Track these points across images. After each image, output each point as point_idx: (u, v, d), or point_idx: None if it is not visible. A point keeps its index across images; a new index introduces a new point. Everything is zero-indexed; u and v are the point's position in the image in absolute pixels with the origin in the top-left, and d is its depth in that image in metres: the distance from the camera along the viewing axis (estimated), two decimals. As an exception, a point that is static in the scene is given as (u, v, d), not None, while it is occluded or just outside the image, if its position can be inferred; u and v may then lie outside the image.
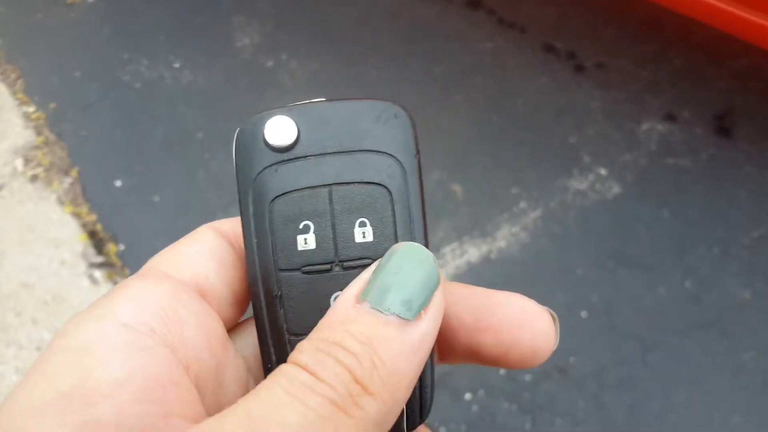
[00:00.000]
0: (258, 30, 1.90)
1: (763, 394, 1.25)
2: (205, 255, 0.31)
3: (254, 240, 0.29)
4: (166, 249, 0.31)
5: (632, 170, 1.57)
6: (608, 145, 1.62)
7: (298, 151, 0.29)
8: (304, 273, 0.28)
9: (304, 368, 0.23)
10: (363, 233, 0.28)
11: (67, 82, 1.82)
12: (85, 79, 1.82)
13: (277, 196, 0.29)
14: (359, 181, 0.29)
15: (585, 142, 1.63)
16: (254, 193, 0.29)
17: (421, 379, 0.28)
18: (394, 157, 0.29)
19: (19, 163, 1.67)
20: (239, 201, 0.30)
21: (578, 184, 1.55)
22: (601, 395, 1.26)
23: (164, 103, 1.76)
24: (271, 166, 0.29)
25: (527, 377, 1.29)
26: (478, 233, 1.48)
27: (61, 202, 1.59)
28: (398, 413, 0.24)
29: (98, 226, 1.55)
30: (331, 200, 0.29)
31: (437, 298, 0.27)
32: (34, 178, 1.64)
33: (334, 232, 0.28)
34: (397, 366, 0.24)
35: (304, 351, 0.24)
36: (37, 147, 1.70)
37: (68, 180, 1.63)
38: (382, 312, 0.25)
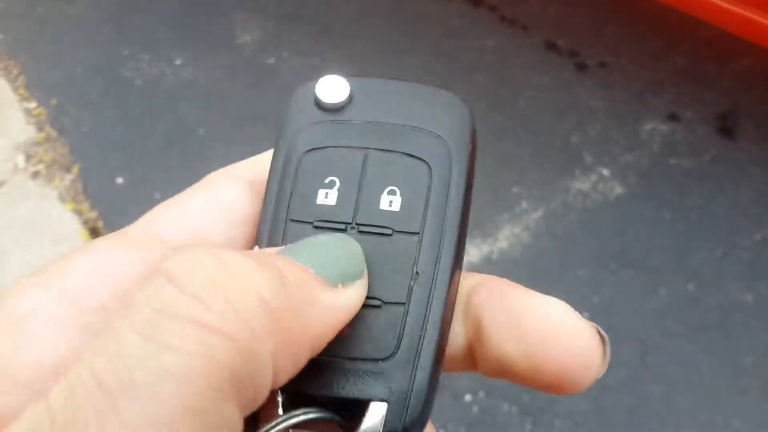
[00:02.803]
0: (259, 26, 1.89)
1: (764, 398, 1.25)
2: (213, 211, 0.27)
3: (275, 189, 0.27)
4: (171, 200, 0.27)
5: (634, 171, 1.57)
6: (610, 145, 1.61)
7: (346, 115, 0.28)
8: (315, 227, 0.26)
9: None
10: (390, 201, 0.26)
11: (68, 78, 1.82)
12: (87, 75, 1.82)
13: (311, 149, 0.27)
14: (400, 151, 0.27)
15: (587, 142, 1.62)
16: (290, 145, 0.28)
17: (414, 376, 0.24)
18: (443, 139, 0.27)
19: (20, 159, 1.67)
20: (273, 154, 0.28)
21: (580, 184, 1.55)
22: (601, 397, 1.26)
23: (165, 100, 1.75)
24: (316, 123, 0.28)
25: (528, 379, 1.29)
26: (478, 233, 1.48)
27: (62, 199, 1.59)
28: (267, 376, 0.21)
29: (99, 223, 1.55)
30: (365, 163, 0.27)
31: (361, 284, 0.24)
32: (35, 175, 1.64)
33: (358, 193, 0.26)
34: (307, 321, 0.21)
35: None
36: (38, 143, 1.70)
37: (69, 177, 1.63)
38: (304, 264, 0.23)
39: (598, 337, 0.25)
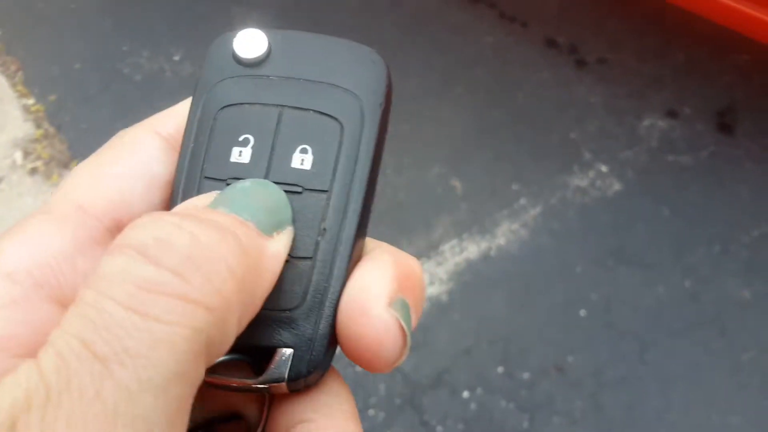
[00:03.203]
0: (258, 20, 1.89)
1: (761, 394, 1.26)
2: (133, 173, 0.27)
3: (190, 146, 0.28)
4: (89, 162, 0.28)
5: (633, 167, 1.57)
6: (609, 141, 1.61)
7: (263, 70, 0.28)
8: (227, 185, 0.27)
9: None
10: (302, 160, 0.27)
11: (67, 74, 1.81)
12: (85, 71, 1.82)
13: (227, 105, 0.28)
14: (314, 109, 0.28)
15: (586, 138, 1.62)
16: (206, 100, 0.28)
17: (318, 326, 0.26)
18: (357, 97, 0.28)
19: (18, 155, 1.67)
20: (190, 108, 0.28)
21: (579, 180, 1.55)
22: (599, 394, 1.27)
23: (164, 96, 1.75)
24: (232, 77, 0.28)
25: (526, 375, 1.29)
26: (477, 230, 1.48)
27: (60, 196, 1.59)
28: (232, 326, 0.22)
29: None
30: (279, 121, 0.28)
31: (291, 230, 0.26)
32: (33, 171, 1.64)
33: (271, 152, 0.27)
34: (248, 273, 0.23)
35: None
36: (36, 140, 1.69)
37: (68, 173, 1.63)
38: (239, 216, 0.24)
39: (397, 326, 0.26)
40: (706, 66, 1.75)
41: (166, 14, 1.92)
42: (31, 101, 1.77)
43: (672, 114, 1.66)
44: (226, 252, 0.22)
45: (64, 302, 0.24)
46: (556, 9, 1.88)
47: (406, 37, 1.85)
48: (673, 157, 1.58)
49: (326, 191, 0.27)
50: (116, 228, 0.26)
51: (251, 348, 0.26)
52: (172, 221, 0.22)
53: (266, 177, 0.27)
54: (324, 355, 0.26)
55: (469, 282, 1.41)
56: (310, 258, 0.26)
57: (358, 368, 1.30)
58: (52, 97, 1.77)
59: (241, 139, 0.27)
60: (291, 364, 0.26)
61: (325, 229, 0.26)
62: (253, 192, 0.25)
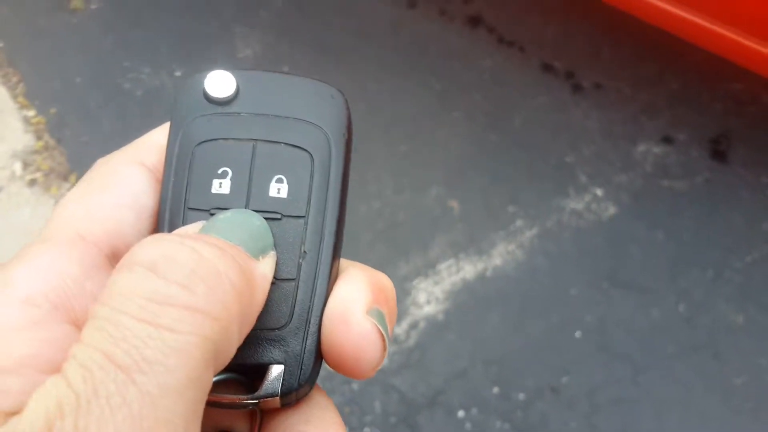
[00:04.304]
0: (260, 40, 1.91)
1: (754, 419, 1.27)
2: (125, 205, 0.29)
3: (171, 179, 0.30)
4: (80, 192, 0.29)
5: (628, 191, 1.58)
6: (604, 166, 1.63)
7: (233, 107, 0.31)
8: (211, 215, 0.29)
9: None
10: (278, 189, 0.29)
11: (68, 87, 1.82)
12: (87, 85, 1.83)
13: (203, 141, 0.30)
14: (285, 142, 0.30)
15: (581, 162, 1.64)
16: (183, 136, 0.30)
17: (305, 342, 0.28)
18: (323, 130, 0.30)
19: (17, 166, 1.67)
20: (167, 145, 0.30)
21: (574, 203, 1.56)
22: (594, 415, 1.27)
23: (166, 112, 1.76)
24: (205, 115, 0.30)
25: (521, 396, 1.29)
26: (474, 250, 1.49)
27: (58, 208, 1.59)
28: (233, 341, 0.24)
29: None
30: (254, 153, 0.30)
31: (274, 254, 0.28)
32: (32, 183, 1.64)
33: (250, 182, 0.29)
34: (240, 290, 0.24)
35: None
36: (36, 151, 1.70)
37: (67, 185, 1.63)
38: (228, 241, 0.26)
39: (376, 331, 0.28)
40: (700, 94, 1.77)
41: (168, 32, 1.94)
42: (32, 113, 1.78)
43: (667, 140, 1.68)
44: (226, 267, 0.24)
45: (77, 323, 0.26)
46: (554, 35, 1.91)
47: (405, 59, 1.87)
48: (668, 182, 1.60)
49: (303, 216, 0.29)
50: (113, 255, 0.28)
51: (243, 367, 0.28)
52: (175, 240, 0.24)
53: (247, 206, 0.29)
54: (312, 368, 0.28)
55: (465, 302, 1.42)
56: (294, 279, 0.29)
57: (354, 386, 1.30)
58: (53, 110, 1.78)
59: (219, 171, 0.29)
60: (283, 379, 0.28)
61: (305, 252, 0.29)
62: (237, 220, 0.27)
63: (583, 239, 1.51)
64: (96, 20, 1.97)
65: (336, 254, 0.29)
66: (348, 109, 0.31)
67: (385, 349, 0.28)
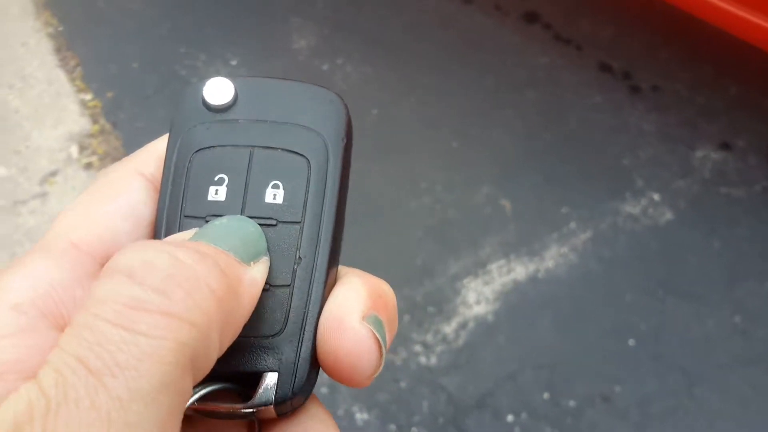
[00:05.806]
0: (315, 33, 1.91)
1: (810, 437, 1.24)
2: (121, 214, 0.29)
3: (169, 187, 0.30)
4: (80, 203, 0.30)
5: (685, 197, 1.55)
6: (662, 170, 1.60)
7: (232, 114, 0.31)
8: (207, 222, 0.29)
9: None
10: (274, 195, 0.29)
11: (125, 72, 1.84)
12: (143, 70, 1.85)
13: (201, 149, 0.30)
14: (282, 148, 0.30)
15: (638, 165, 1.61)
16: (181, 145, 0.30)
17: (300, 349, 0.28)
18: (320, 135, 0.30)
19: (74, 149, 1.70)
20: (166, 153, 0.30)
21: (631, 208, 1.54)
22: (645, 426, 1.25)
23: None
24: (204, 123, 0.30)
25: (571, 403, 1.28)
26: (525, 251, 1.48)
27: (113, 192, 1.61)
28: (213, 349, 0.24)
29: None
30: (251, 160, 0.30)
31: (266, 260, 0.28)
32: (88, 166, 1.67)
33: (245, 189, 0.29)
34: (227, 297, 0.24)
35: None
36: (92, 135, 1.72)
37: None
38: (218, 247, 0.26)
39: (372, 338, 0.28)
40: (759, 99, 1.73)
41: (224, 20, 1.95)
42: (88, 97, 1.80)
43: (725, 146, 1.65)
44: (205, 272, 0.24)
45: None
46: (612, 34, 1.88)
47: (458, 55, 1.85)
48: (726, 189, 1.57)
49: (299, 222, 0.29)
50: None
51: (238, 375, 0.28)
52: (155, 246, 0.24)
53: (242, 213, 0.29)
54: (307, 377, 0.28)
55: (516, 303, 1.41)
56: (288, 285, 0.28)
57: (402, 384, 1.30)
58: (110, 94, 1.80)
59: (216, 178, 0.30)
60: (277, 387, 0.28)
61: (301, 258, 0.29)
62: (230, 226, 0.27)
63: (638, 244, 1.48)
64: (154, 6, 1.99)
65: (332, 260, 0.29)
66: (347, 113, 0.31)
67: (382, 356, 0.28)
